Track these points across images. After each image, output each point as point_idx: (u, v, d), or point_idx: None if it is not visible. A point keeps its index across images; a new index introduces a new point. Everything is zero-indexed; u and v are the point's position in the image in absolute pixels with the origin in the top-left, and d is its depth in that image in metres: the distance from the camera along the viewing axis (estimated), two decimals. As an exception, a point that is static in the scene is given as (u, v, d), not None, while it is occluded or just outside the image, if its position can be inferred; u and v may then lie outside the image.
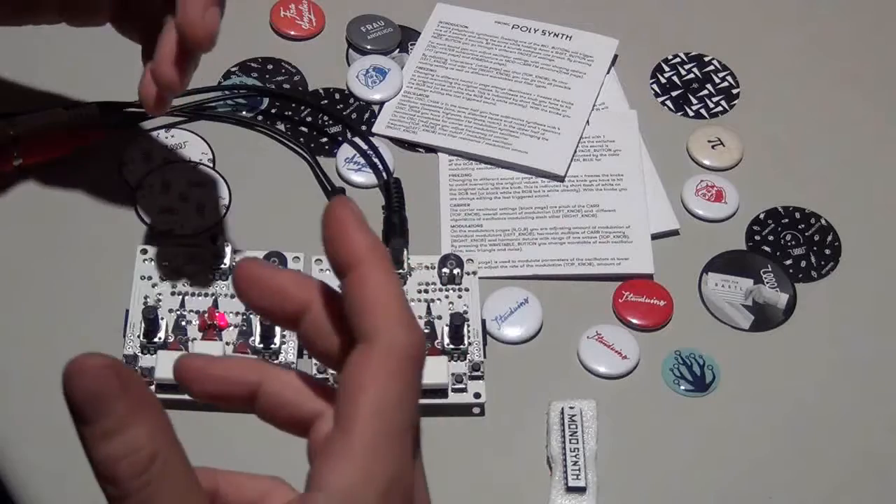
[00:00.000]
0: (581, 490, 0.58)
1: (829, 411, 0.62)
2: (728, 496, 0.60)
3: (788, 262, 0.67)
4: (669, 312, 0.64)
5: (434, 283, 0.63)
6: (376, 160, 0.68)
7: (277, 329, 0.61)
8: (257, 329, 0.61)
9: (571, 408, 0.60)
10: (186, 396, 0.60)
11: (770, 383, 0.63)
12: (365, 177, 0.68)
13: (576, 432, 0.59)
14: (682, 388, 0.62)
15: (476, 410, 0.61)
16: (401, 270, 0.63)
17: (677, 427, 0.61)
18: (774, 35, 0.76)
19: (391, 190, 0.67)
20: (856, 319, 0.65)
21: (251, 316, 0.62)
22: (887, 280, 0.67)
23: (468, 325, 0.62)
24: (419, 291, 0.63)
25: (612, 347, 0.63)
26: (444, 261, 0.63)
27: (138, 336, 0.60)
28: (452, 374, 0.61)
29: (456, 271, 0.63)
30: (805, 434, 0.61)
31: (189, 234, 0.65)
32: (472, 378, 0.61)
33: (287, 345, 0.61)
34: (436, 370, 0.60)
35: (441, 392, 0.60)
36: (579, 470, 0.58)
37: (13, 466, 0.58)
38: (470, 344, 0.61)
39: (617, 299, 0.65)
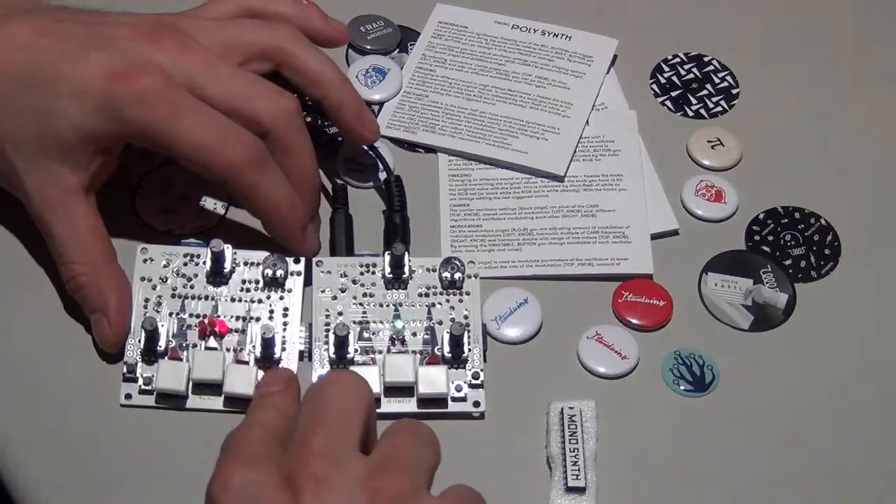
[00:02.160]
0: (581, 490, 0.58)
1: (830, 411, 0.62)
2: (728, 496, 0.60)
3: (788, 262, 0.67)
4: (669, 312, 0.64)
5: (435, 287, 0.63)
6: (377, 160, 0.68)
7: (277, 339, 0.61)
8: (258, 336, 0.61)
9: (571, 408, 0.60)
10: (185, 408, 0.60)
11: (770, 383, 0.63)
12: (366, 178, 0.68)
13: (575, 432, 0.59)
14: (682, 388, 0.62)
15: (476, 415, 0.61)
16: (402, 275, 0.63)
17: (677, 427, 0.61)
18: (774, 35, 0.76)
19: (392, 189, 0.66)
20: (856, 319, 0.65)
21: (251, 322, 0.62)
22: (887, 280, 0.67)
23: (468, 332, 0.61)
24: (420, 295, 0.63)
25: (612, 347, 0.63)
26: (445, 264, 0.63)
27: (139, 341, 0.60)
28: (452, 383, 0.60)
29: (457, 275, 0.63)
30: (805, 434, 0.61)
31: (189, 234, 0.65)
32: (472, 387, 0.61)
33: (287, 352, 0.61)
34: (435, 380, 0.60)
35: (441, 401, 0.60)
36: (579, 470, 0.58)
37: (13, 466, 0.58)
38: (470, 350, 0.61)
39: (616, 299, 0.65)
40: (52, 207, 0.60)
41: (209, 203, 0.66)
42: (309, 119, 0.70)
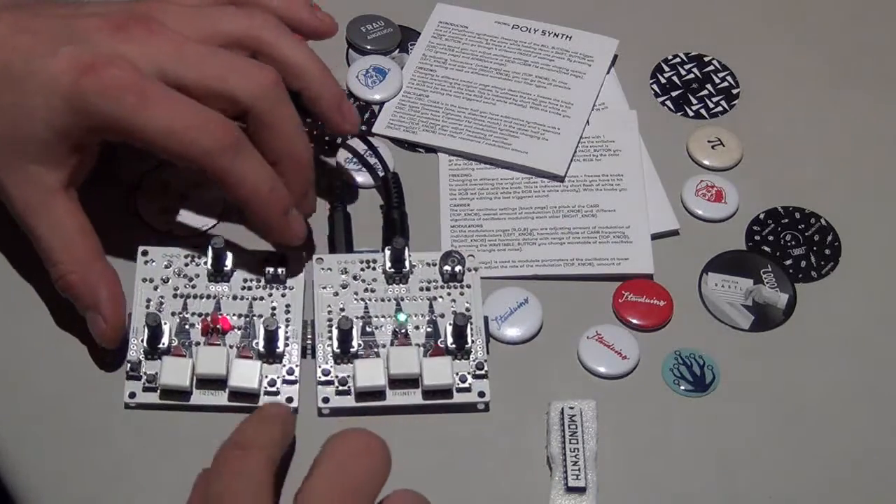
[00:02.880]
0: (581, 490, 0.58)
1: (830, 411, 0.62)
2: (728, 496, 0.60)
3: (788, 262, 0.67)
4: (669, 312, 0.64)
5: (436, 281, 0.63)
6: (375, 160, 0.68)
7: (281, 333, 0.61)
8: (260, 332, 0.61)
9: (571, 408, 0.60)
10: (190, 403, 0.60)
11: (770, 383, 0.63)
12: (364, 177, 0.68)
13: (576, 432, 0.59)
14: (682, 388, 0.62)
15: (480, 407, 0.61)
16: (403, 269, 0.63)
17: (677, 427, 0.61)
18: (774, 35, 0.76)
19: (390, 186, 0.67)
20: (856, 319, 0.65)
21: (254, 319, 0.62)
22: (887, 280, 0.67)
23: (471, 324, 0.62)
24: (421, 289, 0.63)
25: (612, 347, 0.63)
26: (446, 258, 0.63)
27: (142, 340, 0.60)
28: (457, 374, 0.61)
29: (458, 268, 0.63)
30: (805, 434, 0.61)
31: (189, 235, 0.65)
32: (477, 377, 0.61)
33: (290, 347, 0.61)
34: (440, 371, 0.60)
35: (446, 392, 0.60)
36: (579, 470, 0.58)
37: (15, 467, 0.58)
38: (473, 342, 0.61)
39: (617, 299, 0.65)
40: (33, 209, 0.60)
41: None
42: (309, 120, 0.70)
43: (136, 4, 0.62)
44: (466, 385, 0.61)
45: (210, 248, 0.62)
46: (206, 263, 0.63)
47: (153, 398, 0.60)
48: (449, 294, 0.63)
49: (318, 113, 0.64)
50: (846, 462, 0.61)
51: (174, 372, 0.59)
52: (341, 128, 0.65)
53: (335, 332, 0.61)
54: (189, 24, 0.61)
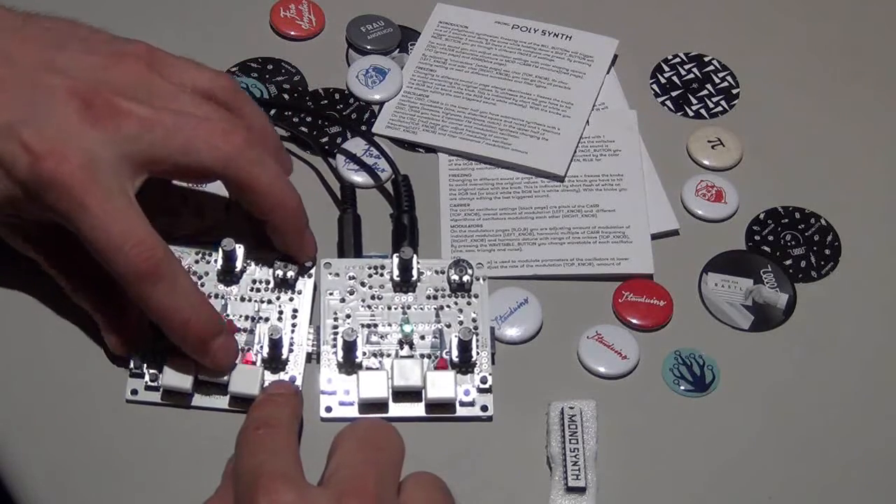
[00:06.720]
0: (581, 490, 0.58)
1: (829, 411, 0.62)
2: (728, 496, 0.60)
3: (788, 262, 0.67)
4: (669, 312, 0.65)
5: (443, 290, 0.63)
6: (375, 161, 0.68)
7: (285, 339, 0.61)
8: (265, 337, 0.61)
9: (571, 408, 0.60)
10: (191, 406, 0.60)
11: (770, 383, 0.63)
12: (365, 177, 0.68)
13: (576, 432, 0.59)
14: (682, 388, 0.62)
15: (483, 419, 0.61)
16: (410, 278, 0.63)
17: (677, 427, 0.61)
18: (774, 35, 0.76)
19: (400, 189, 0.66)
20: (856, 319, 0.65)
21: (260, 323, 0.62)
22: (887, 280, 0.67)
23: (477, 337, 0.61)
24: (428, 298, 0.63)
25: (612, 347, 0.63)
26: (454, 266, 0.63)
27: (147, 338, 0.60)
28: (460, 387, 0.60)
29: (465, 278, 0.63)
30: (805, 434, 0.61)
31: (189, 235, 0.65)
32: (480, 391, 0.61)
33: (295, 353, 0.61)
34: (444, 385, 0.60)
35: (449, 406, 0.60)
36: (579, 470, 0.58)
37: (13, 466, 0.58)
38: (478, 354, 0.61)
39: (617, 299, 0.65)
40: (18, 246, 0.61)
41: (209, 204, 0.66)
42: (309, 119, 0.70)
43: (113, 68, 0.60)
44: (470, 399, 0.60)
45: (220, 249, 0.62)
46: (216, 262, 0.63)
47: (155, 397, 0.60)
48: (456, 304, 0.63)
49: (278, 242, 0.62)
50: (846, 462, 0.61)
51: (176, 374, 0.59)
52: (299, 259, 0.63)
53: (339, 342, 0.61)
54: (170, 106, 0.59)
